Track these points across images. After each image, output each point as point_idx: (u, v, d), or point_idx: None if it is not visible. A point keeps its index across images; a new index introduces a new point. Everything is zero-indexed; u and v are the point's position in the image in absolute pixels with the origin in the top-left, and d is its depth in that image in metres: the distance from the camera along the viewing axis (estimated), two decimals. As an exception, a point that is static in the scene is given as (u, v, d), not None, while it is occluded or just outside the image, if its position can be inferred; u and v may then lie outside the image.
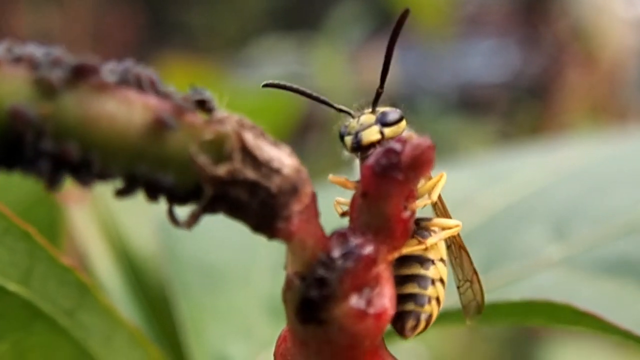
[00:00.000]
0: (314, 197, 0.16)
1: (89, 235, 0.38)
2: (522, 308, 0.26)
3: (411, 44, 1.74)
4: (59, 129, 0.14)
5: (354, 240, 0.16)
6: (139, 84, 0.15)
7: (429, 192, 0.20)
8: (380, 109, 0.21)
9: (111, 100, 0.14)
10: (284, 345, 0.17)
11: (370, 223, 0.17)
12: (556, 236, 0.33)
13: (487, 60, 2.12)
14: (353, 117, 0.21)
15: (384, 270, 0.16)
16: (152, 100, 0.15)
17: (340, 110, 0.21)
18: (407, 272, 0.19)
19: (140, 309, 0.36)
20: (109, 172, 0.15)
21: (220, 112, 0.16)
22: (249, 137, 0.16)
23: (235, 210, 0.16)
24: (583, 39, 1.49)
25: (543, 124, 1.49)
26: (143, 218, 0.39)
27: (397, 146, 0.16)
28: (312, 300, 0.16)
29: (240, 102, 0.80)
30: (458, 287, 0.23)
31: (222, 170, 0.15)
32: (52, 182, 0.14)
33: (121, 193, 0.15)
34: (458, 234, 0.22)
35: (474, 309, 0.23)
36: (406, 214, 0.17)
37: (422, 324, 0.19)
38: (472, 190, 0.39)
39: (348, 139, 0.20)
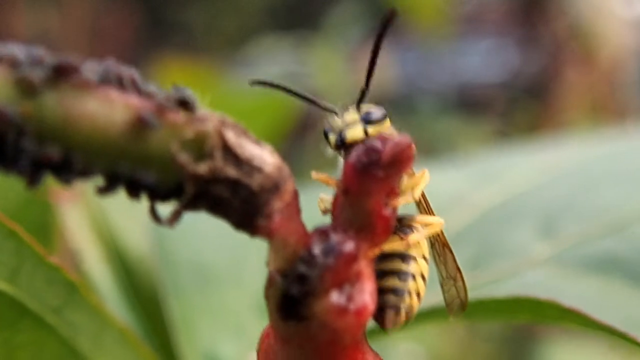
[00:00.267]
0: (295, 195, 0.16)
1: (81, 234, 0.38)
2: (508, 305, 0.26)
3: (410, 44, 1.74)
4: (40, 128, 0.14)
5: (335, 237, 0.16)
6: (121, 83, 0.15)
7: (412, 190, 0.20)
8: (365, 108, 0.21)
9: (92, 100, 0.14)
10: (267, 342, 0.18)
11: (352, 220, 0.17)
12: (545, 234, 0.33)
13: (485, 60, 2.12)
14: (338, 115, 0.21)
15: (365, 267, 0.17)
16: (134, 99, 0.15)
17: (326, 109, 0.21)
18: (388, 268, 0.20)
19: (131, 309, 0.36)
20: (91, 170, 0.15)
21: (202, 110, 0.16)
22: (231, 135, 0.16)
23: (217, 208, 0.16)
24: (581, 38, 1.50)
25: (541, 124, 1.49)
26: (135, 218, 0.39)
27: (377, 144, 0.16)
28: (293, 297, 0.16)
29: (238, 102, 0.81)
30: (442, 285, 0.23)
31: (203, 168, 0.15)
32: (33, 180, 0.14)
33: (102, 191, 0.15)
34: (442, 232, 0.22)
35: (458, 306, 0.23)
36: (387, 211, 0.17)
37: (402, 317, 0.20)
38: (463, 189, 0.40)
39: (332, 137, 0.20)
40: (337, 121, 0.20)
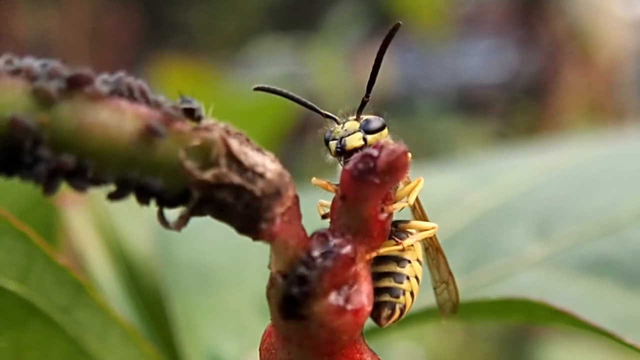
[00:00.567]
0: (296, 200, 0.17)
1: (86, 237, 0.39)
2: (501, 306, 0.27)
3: (410, 45, 1.75)
4: (55, 137, 0.15)
5: (334, 241, 0.17)
6: (131, 94, 0.16)
7: (407, 196, 0.20)
8: (365, 117, 0.22)
9: (104, 110, 0.15)
10: (269, 340, 0.18)
11: (349, 224, 0.18)
12: (539, 235, 0.34)
13: (485, 61, 2.13)
14: (338, 122, 0.21)
15: (362, 269, 0.17)
16: (143, 109, 0.16)
17: (326, 116, 0.22)
18: (384, 270, 0.20)
19: (135, 309, 0.37)
20: (103, 177, 0.16)
21: (208, 119, 0.17)
22: (235, 144, 0.17)
23: (221, 213, 0.17)
24: (580, 39, 1.50)
25: (541, 124, 1.50)
26: (138, 220, 0.40)
27: (373, 152, 0.17)
28: (293, 297, 0.17)
29: (238, 103, 0.81)
30: (434, 288, 0.24)
31: (209, 174, 0.16)
32: (49, 187, 0.15)
33: (113, 197, 0.16)
34: (435, 237, 0.23)
35: (449, 308, 0.24)
36: (383, 216, 0.18)
37: (397, 314, 0.21)
38: (460, 191, 0.40)
39: (332, 144, 0.21)
40: (337, 128, 0.21)
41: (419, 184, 0.21)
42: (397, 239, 0.20)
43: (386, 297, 0.20)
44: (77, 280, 0.25)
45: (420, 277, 0.21)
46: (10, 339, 0.25)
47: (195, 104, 0.16)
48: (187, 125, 0.16)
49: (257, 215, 0.17)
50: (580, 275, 0.30)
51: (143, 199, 0.16)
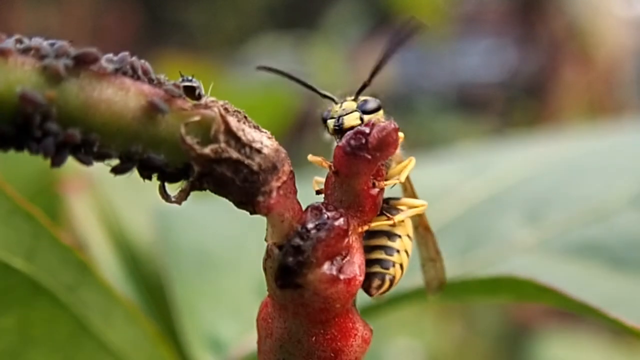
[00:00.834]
0: (292, 175, 0.18)
1: (88, 224, 0.40)
2: (489, 284, 0.27)
3: (409, 44, 1.75)
4: (63, 112, 0.16)
5: (327, 213, 0.18)
6: (134, 72, 0.17)
7: (399, 174, 0.21)
8: (362, 98, 0.22)
9: (109, 87, 0.16)
10: (266, 310, 0.19)
11: (342, 198, 0.18)
12: (530, 222, 0.34)
13: (484, 59, 2.13)
14: (336, 103, 0.22)
15: (354, 241, 0.18)
16: (146, 87, 0.17)
17: (325, 96, 0.23)
18: (375, 243, 0.21)
19: (137, 293, 0.38)
20: (107, 151, 0.17)
21: (207, 97, 0.18)
22: (233, 120, 0.17)
23: (220, 187, 0.18)
24: (579, 38, 1.51)
25: (540, 123, 1.50)
26: (140, 208, 0.40)
27: (365, 129, 0.18)
28: (289, 267, 0.18)
29: (238, 100, 0.82)
30: (422, 266, 0.25)
31: (208, 149, 0.17)
32: (57, 160, 0.16)
33: (117, 170, 0.17)
34: (425, 216, 0.24)
35: (436, 286, 0.25)
36: (375, 191, 0.19)
37: (386, 284, 0.21)
38: (455, 181, 0.41)
39: (331, 122, 0.22)
40: (335, 107, 0.22)
41: (411, 163, 0.22)
42: (388, 215, 0.21)
43: (377, 269, 0.21)
44: (82, 260, 0.26)
45: (410, 252, 0.22)
46: (16, 316, 0.25)
47: (195, 83, 0.17)
48: (188, 102, 0.17)
49: (255, 189, 0.17)
50: (570, 259, 0.31)
51: (145, 173, 0.17)
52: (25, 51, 0.16)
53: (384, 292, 0.21)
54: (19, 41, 0.16)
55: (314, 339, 0.18)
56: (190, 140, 0.17)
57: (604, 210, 0.34)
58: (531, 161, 0.43)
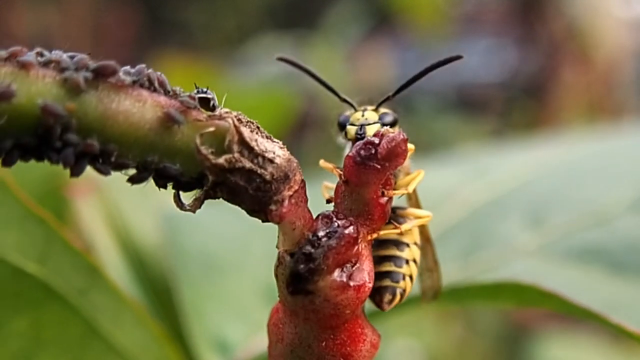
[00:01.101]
0: (303, 184, 0.19)
1: (95, 227, 0.40)
2: (492, 289, 0.28)
3: (409, 44, 1.76)
4: (82, 123, 0.16)
5: (338, 222, 0.19)
6: (151, 84, 0.17)
7: (407, 185, 0.22)
8: (382, 110, 0.23)
9: (127, 98, 0.17)
10: (277, 316, 0.20)
11: (352, 207, 0.19)
12: (532, 226, 0.35)
13: (484, 60, 2.14)
14: (355, 109, 0.23)
15: (364, 249, 0.19)
16: (162, 99, 0.17)
17: (344, 101, 0.23)
18: (384, 253, 0.22)
19: (144, 296, 0.38)
20: (125, 161, 0.17)
21: (221, 109, 0.18)
22: (246, 131, 0.18)
23: (234, 195, 0.18)
24: (579, 38, 1.51)
25: (539, 123, 1.51)
26: (147, 211, 0.41)
27: (375, 139, 0.18)
28: (300, 274, 0.18)
29: (238, 100, 0.82)
30: (420, 275, 0.26)
31: (222, 159, 0.18)
32: (76, 170, 0.17)
33: (134, 180, 0.18)
34: (427, 227, 0.24)
35: (432, 295, 0.26)
36: (383, 200, 0.19)
37: (397, 298, 0.22)
38: (457, 185, 0.42)
39: (352, 129, 0.22)
40: (356, 115, 0.22)
41: (420, 175, 0.22)
42: (395, 224, 0.22)
43: (387, 282, 0.22)
44: (92, 264, 0.26)
45: (418, 261, 0.23)
46: (29, 319, 0.26)
47: (210, 94, 0.18)
48: (203, 113, 0.18)
49: (267, 198, 0.18)
50: (571, 263, 0.31)
51: (161, 182, 0.18)
52: (46, 64, 0.16)
53: (396, 305, 0.22)
54: (40, 54, 0.16)
55: (324, 344, 0.19)
56: (205, 150, 0.17)
57: (604, 214, 0.34)
58: (532, 164, 0.43)
